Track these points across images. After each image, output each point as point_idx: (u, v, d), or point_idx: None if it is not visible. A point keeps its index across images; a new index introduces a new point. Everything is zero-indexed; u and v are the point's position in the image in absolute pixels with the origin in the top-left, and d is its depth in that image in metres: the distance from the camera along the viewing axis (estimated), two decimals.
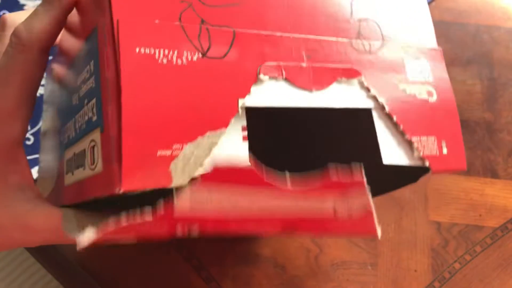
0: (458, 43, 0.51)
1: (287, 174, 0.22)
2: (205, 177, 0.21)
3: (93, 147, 0.23)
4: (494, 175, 0.45)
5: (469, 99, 0.48)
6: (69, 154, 0.27)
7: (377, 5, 0.29)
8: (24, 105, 0.26)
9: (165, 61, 0.22)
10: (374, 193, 0.29)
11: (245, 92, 0.23)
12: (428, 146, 0.28)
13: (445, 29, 0.52)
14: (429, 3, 0.53)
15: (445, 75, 0.31)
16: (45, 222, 0.26)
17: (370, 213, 0.25)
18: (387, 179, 0.30)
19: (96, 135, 0.22)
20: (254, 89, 0.24)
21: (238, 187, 0.22)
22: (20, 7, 0.50)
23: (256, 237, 0.41)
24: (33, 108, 0.27)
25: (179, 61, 0.22)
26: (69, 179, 0.27)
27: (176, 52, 0.22)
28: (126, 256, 0.37)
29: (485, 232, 0.43)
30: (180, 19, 0.23)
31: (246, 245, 0.40)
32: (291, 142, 0.25)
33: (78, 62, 0.26)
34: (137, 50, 0.21)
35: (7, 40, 0.28)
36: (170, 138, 0.21)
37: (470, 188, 0.44)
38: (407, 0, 0.30)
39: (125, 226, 0.20)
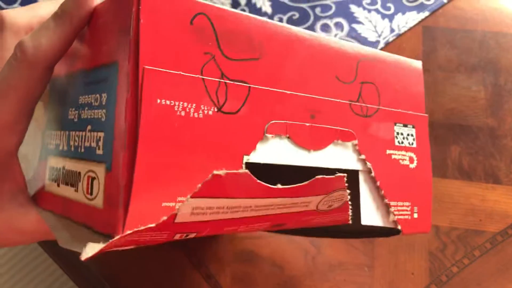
0: (464, 49, 0.52)
1: (279, 185, 0.23)
2: (205, 186, 0.21)
3: (92, 178, 0.23)
4: (496, 180, 0.45)
5: (473, 105, 0.49)
6: (55, 163, 0.27)
7: (379, 69, 0.31)
8: (23, 119, 0.26)
9: (183, 113, 0.22)
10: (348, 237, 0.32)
11: (251, 148, 0.24)
12: (402, 211, 0.31)
13: (450, 36, 0.52)
14: (435, 10, 0.54)
15: (426, 141, 0.33)
16: (37, 225, 0.27)
17: (347, 204, 0.27)
18: (362, 232, 0.32)
19: (99, 170, 0.23)
20: (259, 145, 0.25)
21: (235, 191, 0.23)
22: None
23: (254, 237, 0.42)
24: (30, 120, 0.27)
25: (196, 114, 0.23)
26: (52, 188, 0.27)
27: (194, 106, 0.23)
28: (127, 252, 0.39)
29: (485, 237, 0.43)
30: (202, 71, 0.23)
31: (245, 245, 0.41)
32: None
33: (82, 81, 0.25)
34: (158, 101, 0.22)
35: (5, 42, 0.28)
36: (176, 191, 0.22)
37: (471, 193, 0.45)
38: (405, 66, 0.32)
39: (128, 236, 0.21)
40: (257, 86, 0.25)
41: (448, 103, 0.49)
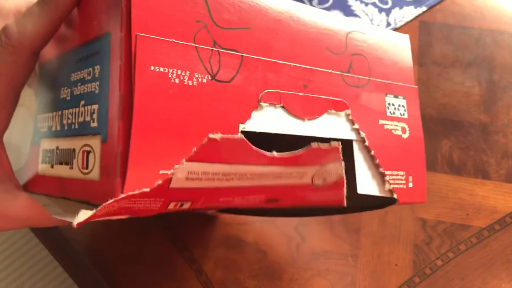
0: (460, 45, 0.51)
1: (274, 152, 0.24)
2: (201, 149, 0.21)
3: (87, 152, 0.23)
4: (485, 176, 0.45)
5: (466, 100, 0.48)
6: (48, 145, 0.27)
7: (368, 42, 0.31)
8: (8, 104, 0.26)
9: (177, 81, 0.22)
10: (342, 213, 0.32)
11: (246, 117, 0.24)
12: (397, 179, 0.31)
13: (447, 32, 0.52)
14: (432, 6, 0.53)
15: (418, 113, 0.33)
16: (24, 211, 0.26)
17: (342, 180, 0.27)
18: (357, 205, 0.31)
19: (94, 142, 0.23)
20: (254, 114, 0.25)
21: (230, 156, 0.23)
22: None
23: (240, 222, 0.42)
24: (15, 106, 0.27)
25: (190, 82, 0.23)
26: (46, 170, 0.27)
27: (188, 73, 0.23)
28: (112, 234, 0.40)
29: (471, 232, 0.42)
30: (194, 39, 0.23)
31: (230, 230, 0.41)
32: None
33: (73, 58, 0.25)
34: (152, 68, 0.22)
35: None
36: (173, 159, 0.22)
37: (460, 188, 0.44)
38: (393, 40, 0.33)
39: (121, 201, 0.21)
40: (249, 55, 0.25)
41: (441, 98, 0.49)
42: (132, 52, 0.21)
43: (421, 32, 0.52)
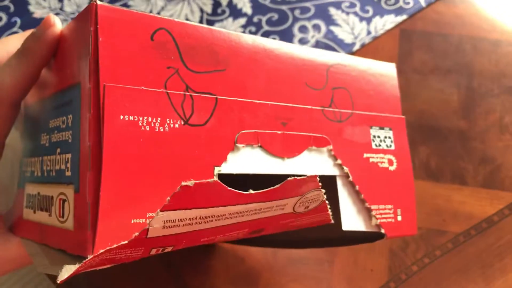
0: (439, 53, 0.52)
1: (250, 190, 0.23)
2: (175, 198, 0.21)
3: (63, 200, 0.23)
4: (462, 182, 0.45)
5: (445, 107, 0.49)
6: (32, 189, 0.27)
7: (350, 74, 0.30)
8: None
9: (147, 128, 0.22)
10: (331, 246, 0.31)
11: (222, 159, 0.24)
12: (384, 214, 0.30)
13: (427, 39, 0.53)
14: (413, 14, 0.54)
15: (405, 143, 0.32)
16: (16, 253, 0.27)
17: (324, 204, 0.26)
18: (345, 239, 0.31)
19: (68, 192, 0.23)
20: (230, 156, 0.25)
21: (206, 201, 0.22)
22: (30, 15, 0.55)
23: None
24: (0, 155, 0.27)
25: (161, 129, 0.23)
26: (29, 215, 0.27)
27: (159, 120, 0.23)
28: None
29: (447, 237, 0.43)
30: (165, 85, 0.23)
31: None
32: None
33: (51, 105, 0.26)
34: (121, 117, 0.22)
35: None
36: (145, 207, 0.22)
37: (437, 194, 0.45)
38: (378, 70, 0.32)
39: (101, 255, 0.21)
40: (224, 97, 0.25)
41: (419, 104, 0.49)
42: (100, 103, 0.21)
43: (401, 40, 0.53)
